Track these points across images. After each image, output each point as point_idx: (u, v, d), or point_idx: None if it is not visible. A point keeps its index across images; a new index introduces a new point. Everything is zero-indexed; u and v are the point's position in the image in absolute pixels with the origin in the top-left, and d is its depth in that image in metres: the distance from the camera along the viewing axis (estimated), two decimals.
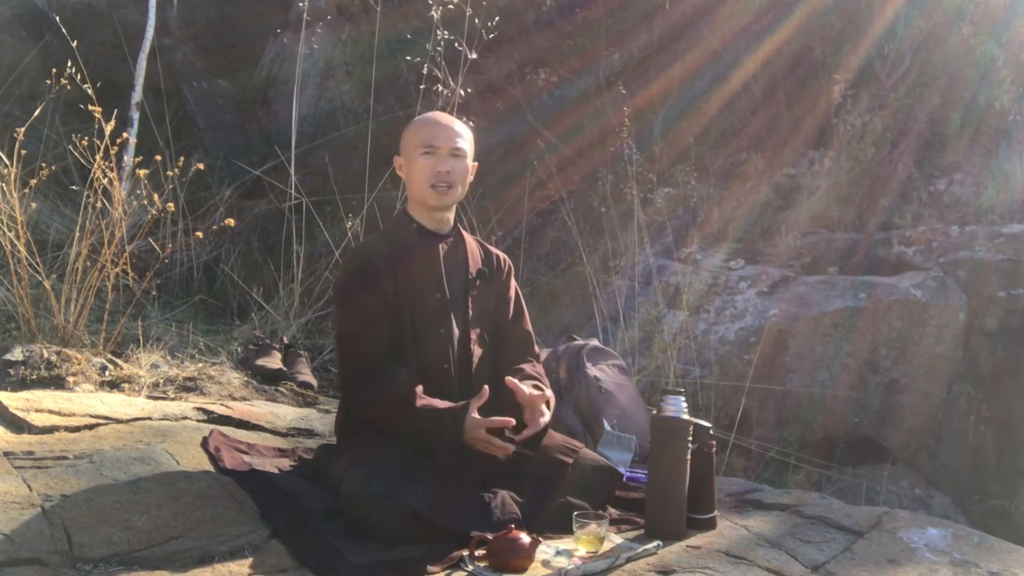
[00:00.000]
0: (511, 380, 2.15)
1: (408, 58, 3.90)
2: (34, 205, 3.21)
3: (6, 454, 2.17)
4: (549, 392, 2.22)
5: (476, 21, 3.81)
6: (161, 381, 2.97)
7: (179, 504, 2.00)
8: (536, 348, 2.44)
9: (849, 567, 2.00)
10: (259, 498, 2.08)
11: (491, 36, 3.87)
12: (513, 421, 2.09)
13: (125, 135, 3.66)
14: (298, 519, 1.99)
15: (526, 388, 2.15)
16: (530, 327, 2.46)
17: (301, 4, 4.19)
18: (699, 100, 4.96)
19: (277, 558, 1.83)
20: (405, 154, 2.31)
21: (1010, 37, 4.68)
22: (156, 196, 3.13)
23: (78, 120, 4.12)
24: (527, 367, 2.32)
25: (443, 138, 2.26)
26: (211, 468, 2.27)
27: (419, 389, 2.15)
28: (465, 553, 1.89)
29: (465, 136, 2.31)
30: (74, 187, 3.76)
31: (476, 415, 2.07)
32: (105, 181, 3.06)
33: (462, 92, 3.80)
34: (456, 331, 2.29)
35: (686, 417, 2.15)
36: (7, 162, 2.99)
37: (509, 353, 2.37)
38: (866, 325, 3.78)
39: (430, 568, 1.83)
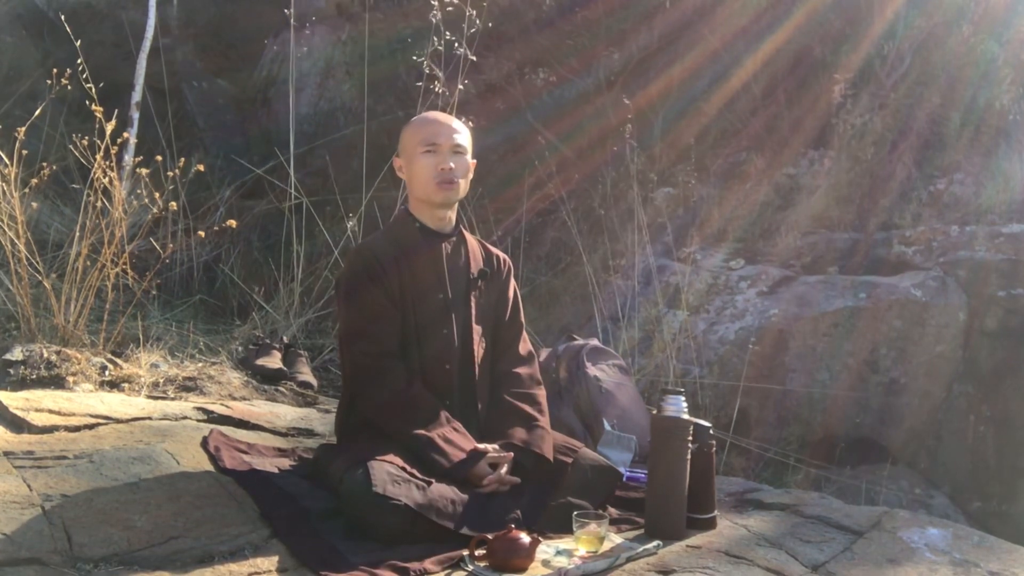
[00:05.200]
0: (478, 447, 2.14)
1: (414, 57, 3.89)
2: (34, 205, 3.21)
3: (6, 454, 2.17)
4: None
5: (477, 21, 3.81)
6: (161, 381, 2.97)
7: (179, 504, 2.00)
8: (529, 348, 2.44)
9: (849, 567, 2.00)
10: (259, 498, 2.08)
11: (489, 34, 3.87)
12: (518, 480, 2.12)
13: (125, 134, 3.66)
14: (298, 519, 1.99)
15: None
16: (522, 327, 2.46)
17: (287, 11, 4.20)
18: (699, 100, 4.96)
19: (277, 558, 1.83)
20: (405, 154, 2.31)
21: (1010, 36, 4.68)
22: (156, 196, 3.13)
23: (78, 120, 4.11)
24: (514, 401, 2.29)
25: (444, 135, 2.27)
26: (211, 468, 2.27)
27: (430, 406, 2.17)
28: (465, 553, 1.89)
29: (464, 133, 2.32)
30: (75, 186, 3.76)
31: (484, 465, 2.10)
32: (105, 181, 3.05)
33: (461, 87, 3.80)
34: (458, 331, 2.30)
35: (686, 417, 2.15)
36: (7, 162, 2.99)
37: (499, 360, 2.37)
38: (866, 325, 3.78)
39: (430, 568, 1.83)
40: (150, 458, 2.26)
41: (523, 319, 2.47)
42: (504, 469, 2.12)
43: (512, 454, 2.16)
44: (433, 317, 2.28)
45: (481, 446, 2.14)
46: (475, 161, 2.37)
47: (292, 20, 4.28)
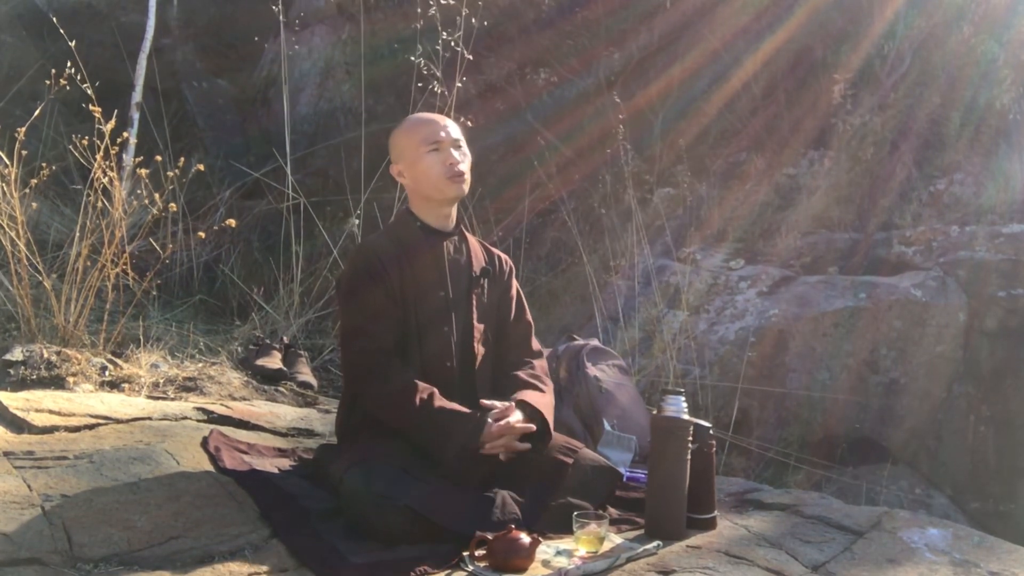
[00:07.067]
0: (483, 402, 2.17)
1: (412, 58, 3.89)
2: (34, 205, 3.21)
3: (6, 454, 2.17)
4: (539, 396, 2.24)
5: (473, 21, 3.82)
6: (161, 381, 2.97)
7: (179, 504, 2.00)
8: (537, 345, 2.45)
9: (849, 567, 2.00)
10: (259, 498, 2.08)
11: (489, 34, 3.87)
12: (533, 426, 2.14)
13: (125, 135, 3.66)
14: (298, 519, 1.99)
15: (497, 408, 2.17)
16: (531, 325, 2.47)
17: (275, 8, 4.19)
18: (699, 100, 4.96)
19: (277, 558, 1.83)
20: (405, 158, 2.32)
21: (1011, 36, 4.68)
22: (156, 196, 3.13)
23: (78, 120, 4.11)
24: (523, 373, 2.32)
25: (443, 132, 2.30)
26: (211, 468, 2.27)
27: (435, 391, 2.17)
28: (465, 553, 1.89)
29: (456, 126, 2.37)
30: (75, 187, 3.77)
31: (494, 423, 2.11)
32: (105, 181, 3.05)
33: (459, 84, 3.80)
34: (458, 330, 2.30)
35: (686, 417, 2.15)
36: (7, 162, 2.99)
37: (509, 354, 2.38)
38: (866, 325, 3.78)
39: (430, 568, 1.83)
40: (150, 458, 2.26)
41: (530, 317, 2.48)
42: (513, 417, 2.13)
43: (516, 408, 2.17)
44: (434, 316, 2.28)
45: (486, 401, 2.16)
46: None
47: (282, 18, 4.28)
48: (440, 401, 2.14)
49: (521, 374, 2.32)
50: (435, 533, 1.94)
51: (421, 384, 2.17)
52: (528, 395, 2.24)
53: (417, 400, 2.13)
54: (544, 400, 2.26)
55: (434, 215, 2.33)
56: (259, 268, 4.37)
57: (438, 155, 2.27)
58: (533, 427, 2.14)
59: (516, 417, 2.15)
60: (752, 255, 4.31)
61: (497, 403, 2.17)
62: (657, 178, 4.69)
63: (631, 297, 3.98)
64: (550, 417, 2.22)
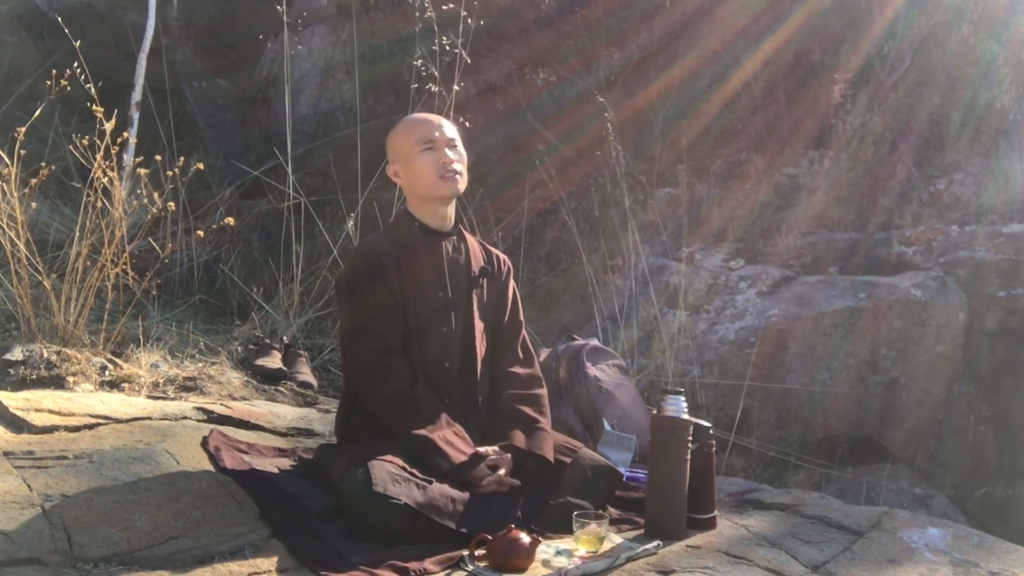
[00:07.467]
0: (479, 450, 2.15)
1: (415, 62, 3.89)
2: (34, 205, 3.21)
3: (6, 454, 2.17)
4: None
5: (469, 22, 3.82)
6: (161, 381, 2.97)
7: (179, 504, 2.00)
8: (529, 347, 2.45)
9: (849, 567, 2.00)
10: (259, 498, 2.08)
11: (489, 34, 3.87)
12: (518, 482, 2.12)
13: (125, 134, 3.65)
14: (298, 519, 1.99)
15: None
16: (524, 329, 2.47)
17: (279, 7, 4.18)
18: (699, 100, 4.96)
19: (277, 558, 1.83)
20: (401, 158, 2.32)
21: (1010, 36, 4.68)
22: (156, 196, 3.13)
23: (78, 120, 4.11)
24: (520, 406, 2.29)
25: (437, 131, 2.31)
26: (211, 468, 2.27)
27: (443, 418, 2.17)
28: (465, 553, 1.89)
29: (451, 126, 2.37)
30: (75, 185, 3.76)
31: (484, 468, 2.10)
32: (105, 181, 3.05)
33: (457, 88, 3.80)
34: (458, 329, 2.30)
35: (686, 417, 2.15)
36: (7, 162, 2.99)
37: (499, 358, 2.38)
38: (866, 325, 3.78)
39: (430, 568, 1.83)
40: (150, 458, 2.26)
41: (522, 318, 2.48)
42: (503, 471, 2.12)
43: (510, 455, 2.16)
44: (433, 316, 2.28)
45: (481, 449, 2.14)
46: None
47: (285, 18, 4.28)
48: (436, 431, 2.13)
49: (514, 403, 2.29)
50: (435, 533, 1.94)
51: (419, 398, 2.18)
52: (519, 437, 2.21)
53: (412, 419, 2.13)
54: (536, 438, 2.22)
55: (431, 215, 2.33)
56: (259, 268, 4.37)
57: (432, 154, 2.27)
58: (518, 483, 2.12)
59: (505, 469, 2.14)
60: (752, 255, 4.31)
61: (491, 451, 2.16)
62: (657, 178, 4.69)
63: (631, 297, 3.98)
64: (547, 452, 2.20)
